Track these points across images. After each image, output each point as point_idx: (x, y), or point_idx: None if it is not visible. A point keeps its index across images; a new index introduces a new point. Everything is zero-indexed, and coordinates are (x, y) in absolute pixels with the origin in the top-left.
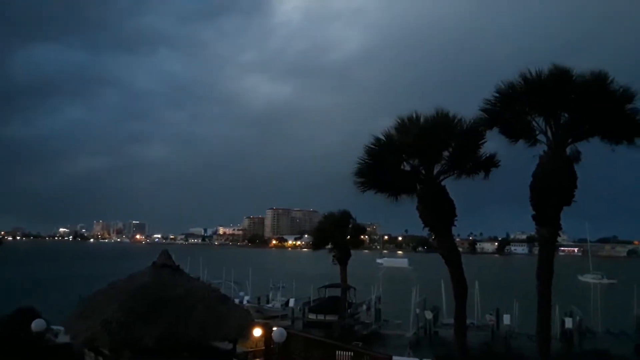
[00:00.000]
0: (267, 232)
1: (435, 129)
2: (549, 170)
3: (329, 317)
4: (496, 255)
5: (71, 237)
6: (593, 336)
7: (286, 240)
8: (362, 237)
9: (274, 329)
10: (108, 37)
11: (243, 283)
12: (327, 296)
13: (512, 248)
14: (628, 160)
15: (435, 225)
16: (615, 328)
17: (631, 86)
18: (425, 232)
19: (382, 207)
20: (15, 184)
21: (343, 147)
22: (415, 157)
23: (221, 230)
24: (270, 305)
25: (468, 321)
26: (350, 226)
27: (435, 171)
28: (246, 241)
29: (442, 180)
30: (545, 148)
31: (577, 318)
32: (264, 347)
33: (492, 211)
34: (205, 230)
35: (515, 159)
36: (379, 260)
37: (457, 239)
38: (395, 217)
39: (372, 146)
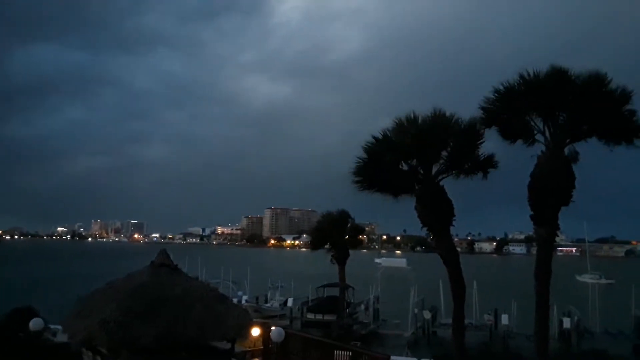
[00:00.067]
0: (266, 231)
1: (434, 128)
2: (547, 170)
3: (328, 317)
4: (494, 255)
5: (69, 236)
6: (591, 336)
7: (284, 240)
8: (360, 236)
9: (273, 328)
10: (108, 37)
11: (241, 282)
12: (325, 296)
13: (511, 248)
14: (627, 161)
15: (433, 225)
16: (613, 328)
17: (630, 87)
18: (423, 232)
19: (380, 207)
20: (14, 183)
21: (342, 147)
22: (414, 157)
23: (219, 230)
24: (268, 304)
25: (466, 321)
26: (348, 226)
27: (433, 171)
28: (244, 241)
29: (441, 180)
30: (544, 148)
31: (575, 318)
32: (262, 347)
33: (491, 211)
34: (204, 230)
35: (514, 159)
36: (377, 260)
37: (456, 239)
38: (393, 217)
39: (370, 145)
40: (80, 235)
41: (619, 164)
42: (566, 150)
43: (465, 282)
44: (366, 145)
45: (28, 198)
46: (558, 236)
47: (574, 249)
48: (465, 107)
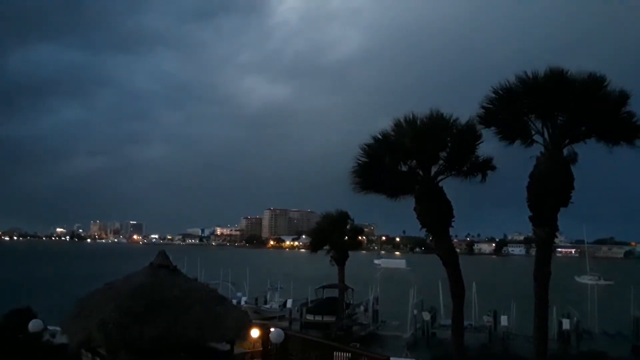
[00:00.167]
0: (265, 232)
1: (433, 129)
2: (546, 171)
3: (327, 318)
4: (493, 256)
5: (68, 237)
6: (590, 337)
7: (284, 241)
8: (359, 238)
9: (272, 329)
10: (106, 37)
11: (240, 284)
12: (324, 297)
13: (510, 249)
14: (625, 162)
15: (432, 227)
16: (612, 329)
17: (630, 87)
18: (422, 233)
19: (380, 208)
20: (13, 184)
21: (342, 147)
22: (413, 157)
23: (219, 231)
24: (267, 306)
25: (465, 322)
26: (348, 227)
27: (432, 172)
28: (244, 242)
29: (440, 181)
30: (542, 149)
31: (574, 319)
32: (261, 348)
33: (490, 212)
34: (203, 231)
35: (513, 160)
36: (376, 261)
37: (455, 240)
38: (393, 218)
39: (369, 146)
40: (79, 236)
41: (618, 165)
42: (565, 151)
43: (464, 283)
44: (365, 146)
45: (27, 199)
46: (557, 237)
47: (573, 250)
48: (466, 107)
